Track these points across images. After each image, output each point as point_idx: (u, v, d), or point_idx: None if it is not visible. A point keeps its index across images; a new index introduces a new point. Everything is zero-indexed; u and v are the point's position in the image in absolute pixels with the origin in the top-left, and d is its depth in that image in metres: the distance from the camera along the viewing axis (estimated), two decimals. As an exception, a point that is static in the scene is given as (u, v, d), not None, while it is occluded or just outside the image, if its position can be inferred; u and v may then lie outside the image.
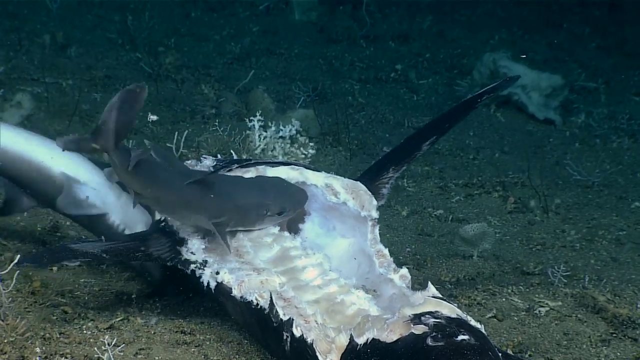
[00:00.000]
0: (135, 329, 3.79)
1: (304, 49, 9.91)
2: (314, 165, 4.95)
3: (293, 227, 3.98)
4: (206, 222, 3.68)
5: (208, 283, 3.67)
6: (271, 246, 3.81)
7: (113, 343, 3.43)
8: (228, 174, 3.94)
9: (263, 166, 4.01)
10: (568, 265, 4.97)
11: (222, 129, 6.16)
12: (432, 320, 3.03)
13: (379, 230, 4.00)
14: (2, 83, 7.35)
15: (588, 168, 7.02)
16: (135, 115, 3.58)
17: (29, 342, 3.46)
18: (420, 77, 9.42)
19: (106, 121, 3.52)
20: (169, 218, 3.88)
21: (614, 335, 4.11)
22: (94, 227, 4.36)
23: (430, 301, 3.17)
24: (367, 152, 7.14)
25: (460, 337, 2.96)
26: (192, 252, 3.76)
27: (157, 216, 3.97)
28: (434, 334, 2.97)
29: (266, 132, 5.95)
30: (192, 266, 3.73)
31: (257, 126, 5.94)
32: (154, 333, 3.76)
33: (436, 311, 3.10)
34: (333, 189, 4.00)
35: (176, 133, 5.94)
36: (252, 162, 4.08)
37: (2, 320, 3.50)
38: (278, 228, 3.87)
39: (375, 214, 4.00)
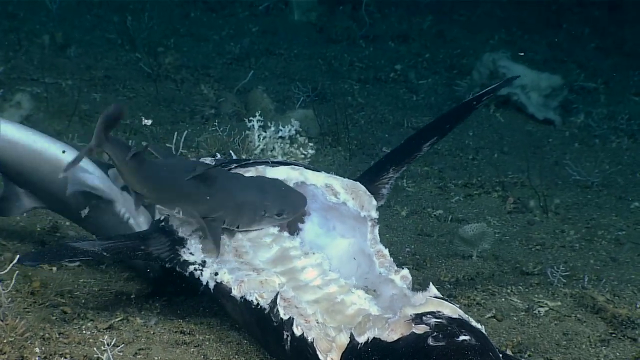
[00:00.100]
0: (135, 329, 3.78)
1: (303, 49, 9.90)
2: (314, 165, 4.95)
3: (293, 227, 3.97)
4: (196, 215, 3.66)
5: (207, 283, 3.67)
6: (270, 246, 3.80)
7: (112, 343, 3.43)
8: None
9: (263, 166, 4.00)
10: (567, 265, 4.96)
11: (221, 129, 6.16)
12: (433, 320, 3.03)
13: (379, 230, 4.00)
14: (2, 83, 7.34)
15: (587, 168, 7.01)
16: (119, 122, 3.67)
17: (29, 342, 3.46)
18: (420, 77, 9.41)
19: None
20: (168, 216, 3.88)
21: (613, 335, 4.11)
22: (99, 217, 4.33)
23: (432, 301, 3.16)
24: (366, 153, 7.14)
25: (461, 338, 2.96)
26: (191, 253, 3.76)
27: (157, 215, 3.97)
28: (435, 333, 2.97)
29: (265, 132, 5.94)
30: (192, 266, 3.73)
31: (256, 126, 5.94)
32: (154, 333, 3.76)
33: (438, 311, 3.10)
34: (333, 189, 4.00)
35: (175, 133, 5.94)
36: (252, 161, 4.08)
37: (2, 321, 3.50)
38: (277, 228, 3.86)
39: (374, 214, 4.00)
